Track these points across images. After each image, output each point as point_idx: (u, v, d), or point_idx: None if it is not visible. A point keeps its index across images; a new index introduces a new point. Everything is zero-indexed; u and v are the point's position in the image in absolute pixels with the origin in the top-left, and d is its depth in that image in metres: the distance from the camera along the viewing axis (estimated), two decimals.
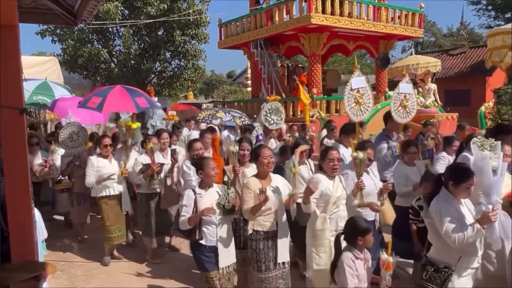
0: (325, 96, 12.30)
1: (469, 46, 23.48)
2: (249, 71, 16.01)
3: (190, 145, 4.82)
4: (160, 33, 19.64)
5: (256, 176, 3.73)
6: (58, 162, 6.06)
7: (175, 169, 5.02)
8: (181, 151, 5.81)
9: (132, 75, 18.63)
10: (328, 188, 3.61)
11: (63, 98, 7.55)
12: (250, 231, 3.68)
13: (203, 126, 7.99)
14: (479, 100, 16.58)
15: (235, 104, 13.92)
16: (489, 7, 24.76)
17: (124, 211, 5.31)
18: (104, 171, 5.13)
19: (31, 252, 2.03)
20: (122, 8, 17.83)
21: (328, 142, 7.05)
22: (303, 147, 4.59)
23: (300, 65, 14.72)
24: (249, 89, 15.16)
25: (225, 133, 8.07)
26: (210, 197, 3.60)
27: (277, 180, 3.77)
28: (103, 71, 19.13)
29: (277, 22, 11.83)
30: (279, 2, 11.98)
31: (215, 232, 3.58)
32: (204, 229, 3.56)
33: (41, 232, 3.83)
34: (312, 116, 10.07)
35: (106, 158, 5.24)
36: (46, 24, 16.46)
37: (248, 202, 3.56)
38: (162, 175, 5.13)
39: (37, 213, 3.73)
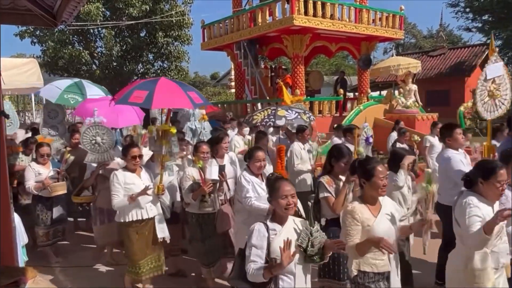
0: (309, 97, 12.39)
1: (448, 47, 23.98)
2: (232, 72, 16.01)
3: (251, 154, 3.89)
4: (142, 34, 19.49)
5: (362, 200, 2.84)
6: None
7: (225, 187, 4.36)
8: (233, 160, 4.86)
9: (114, 77, 18.44)
10: (488, 215, 2.74)
11: (89, 100, 6.76)
12: (354, 273, 2.79)
13: (246, 130, 7.12)
14: (458, 101, 16.94)
15: (219, 105, 13.91)
16: (467, 9, 25.29)
17: (160, 237, 4.23)
18: (135, 189, 4.05)
19: (11, 257, 2.00)
20: (103, 9, 17.64)
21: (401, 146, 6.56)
22: (410, 158, 4.00)
23: (283, 67, 14.80)
24: (233, 90, 15.15)
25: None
26: (288, 236, 2.56)
27: (387, 204, 2.90)
28: (84, 73, 18.86)
29: (260, 24, 11.86)
30: (262, 4, 12.01)
31: (293, 285, 2.55)
32: (279, 281, 2.53)
33: (21, 237, 3.77)
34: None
35: (134, 172, 4.20)
36: (25, 25, 16.16)
37: (353, 237, 2.72)
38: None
39: (16, 218, 3.65)
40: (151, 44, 19.14)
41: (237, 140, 7.05)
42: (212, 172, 4.17)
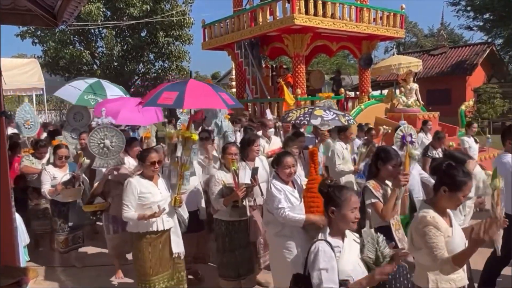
0: (310, 97, 12.38)
1: (450, 46, 23.95)
2: (233, 72, 16.00)
3: (279, 160, 3.54)
4: (143, 34, 19.49)
5: (436, 208, 2.52)
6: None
7: (256, 191, 4.04)
8: (264, 164, 4.45)
9: (115, 77, 18.43)
10: None
11: (107, 100, 6.50)
12: None
13: (271, 131, 6.67)
14: (459, 99, 16.93)
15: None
16: (468, 8, 25.25)
17: (174, 252, 3.80)
18: (151, 199, 3.66)
19: (12, 257, 2.00)
20: (104, 9, 17.64)
21: (435, 153, 6.31)
22: (473, 164, 3.75)
23: (284, 66, 14.78)
24: (234, 90, 15.14)
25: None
26: (352, 251, 2.36)
27: (450, 212, 2.65)
28: (85, 73, 18.86)
29: (260, 23, 11.85)
30: (263, 3, 12.00)
31: None
32: None
33: (22, 237, 3.77)
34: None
35: (151, 180, 3.76)
36: (25, 26, 16.19)
37: (442, 250, 2.39)
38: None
39: (18, 218, 3.65)
40: (152, 44, 19.14)
41: (263, 144, 6.35)
42: (245, 176, 3.92)
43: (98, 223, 6.19)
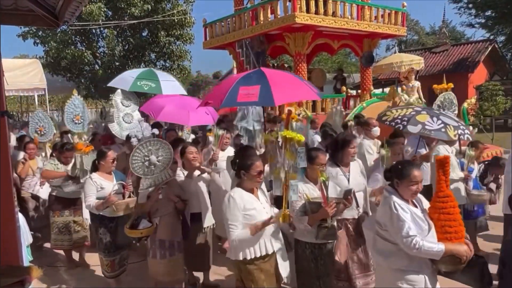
0: None
1: (451, 43, 23.89)
2: (235, 71, 15.99)
3: (405, 173, 2.80)
4: (144, 34, 19.51)
5: None
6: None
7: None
8: (361, 169, 3.94)
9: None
10: None
11: (159, 96, 6.04)
12: None
13: (376, 130, 5.77)
14: (461, 97, 16.82)
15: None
16: (470, 5, 25.16)
17: (284, 277, 3.22)
18: (257, 216, 3.02)
19: (15, 256, 2.01)
20: (105, 9, 17.66)
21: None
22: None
23: (285, 65, 14.77)
24: None
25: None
26: None
27: None
28: (87, 73, 18.92)
29: (261, 22, 11.84)
30: (264, 2, 11.99)
31: None
32: None
33: (25, 237, 3.78)
34: (299, 115, 10.11)
35: (252, 193, 3.15)
36: (27, 26, 16.22)
37: None
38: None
39: (21, 217, 3.67)
40: (153, 44, 19.16)
41: (369, 145, 5.51)
42: (336, 186, 3.37)
43: None
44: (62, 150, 5.32)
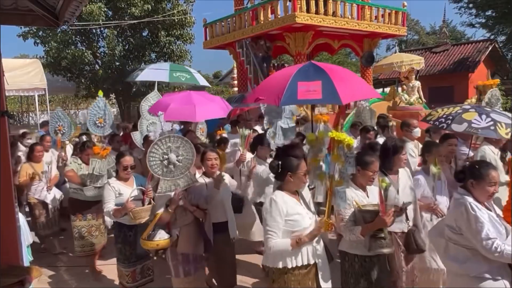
0: None
1: (452, 43, 23.86)
2: (235, 71, 15.99)
3: (483, 173, 2.69)
4: (144, 34, 19.50)
5: None
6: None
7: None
8: (409, 177, 3.67)
9: (117, 77, 18.45)
10: None
11: (166, 95, 5.73)
12: None
13: (417, 131, 5.39)
14: (462, 97, 16.85)
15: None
16: (470, 5, 25.12)
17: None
18: (302, 223, 2.79)
19: (16, 256, 2.00)
20: (105, 9, 17.65)
21: None
22: None
23: (286, 65, 14.76)
24: (236, 89, 15.14)
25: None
26: None
27: None
28: (87, 73, 18.90)
29: (262, 22, 11.84)
30: (264, 2, 11.99)
31: None
32: None
33: (26, 237, 3.78)
34: (299, 115, 10.10)
35: (293, 197, 2.90)
36: (27, 26, 16.22)
37: None
38: None
39: (21, 217, 3.67)
40: (154, 44, 19.14)
41: (411, 148, 5.16)
42: (391, 194, 3.02)
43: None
44: (84, 148, 5.12)
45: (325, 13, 11.30)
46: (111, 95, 20.66)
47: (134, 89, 19.92)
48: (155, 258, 4.26)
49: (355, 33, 12.56)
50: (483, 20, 25.54)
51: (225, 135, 6.14)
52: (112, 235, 4.61)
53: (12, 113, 12.56)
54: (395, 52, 14.90)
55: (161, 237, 3.46)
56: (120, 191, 3.90)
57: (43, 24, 2.92)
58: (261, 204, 4.52)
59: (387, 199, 2.82)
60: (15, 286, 1.81)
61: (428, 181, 3.72)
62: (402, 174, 3.48)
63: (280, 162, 2.86)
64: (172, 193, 3.51)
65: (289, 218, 2.73)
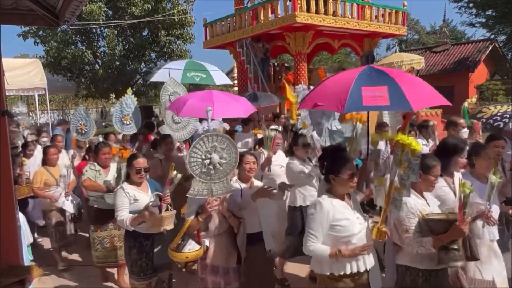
0: None
1: (452, 43, 23.88)
2: (235, 70, 16.00)
3: None
4: (144, 33, 19.52)
5: None
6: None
7: None
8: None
9: (117, 77, 18.48)
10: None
11: (192, 95, 5.30)
12: None
13: (465, 132, 5.09)
14: (462, 96, 16.83)
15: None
16: (470, 5, 25.14)
17: None
18: (351, 229, 2.62)
19: (16, 256, 2.00)
20: (105, 9, 17.67)
21: None
22: None
23: (286, 64, 14.77)
24: (236, 88, 15.14)
25: None
26: None
27: None
28: (87, 73, 18.93)
29: (262, 22, 11.84)
30: (264, 1, 11.98)
31: None
32: None
33: (26, 236, 3.78)
34: (299, 115, 10.09)
35: (343, 200, 2.74)
36: (27, 26, 16.23)
37: None
38: None
39: (21, 217, 3.67)
40: (154, 43, 19.16)
41: None
42: (472, 200, 2.68)
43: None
44: (98, 149, 4.58)
45: (325, 13, 11.30)
46: (111, 94, 20.69)
47: (134, 89, 19.94)
48: (183, 270, 3.85)
49: (355, 33, 12.56)
50: (483, 20, 25.56)
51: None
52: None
53: (11, 112, 12.52)
54: (395, 52, 14.89)
55: (191, 248, 3.13)
56: (135, 197, 3.54)
57: (43, 24, 2.91)
58: (295, 208, 4.42)
59: (466, 206, 2.55)
60: (16, 285, 1.81)
61: (475, 185, 3.26)
62: (456, 178, 3.24)
63: (324, 163, 2.75)
64: (203, 198, 3.14)
65: (336, 223, 2.58)
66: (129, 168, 3.63)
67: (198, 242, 3.21)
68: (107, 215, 4.37)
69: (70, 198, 5.19)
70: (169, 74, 6.77)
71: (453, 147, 3.25)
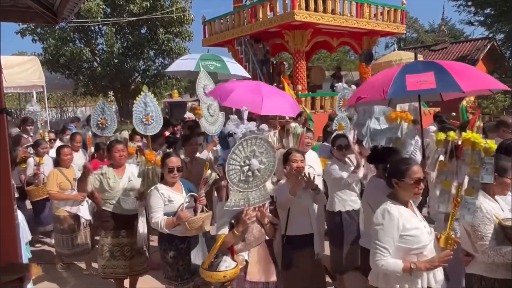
0: (310, 93, 12.37)
1: (450, 41, 23.90)
2: None
3: None
4: (143, 31, 19.45)
5: None
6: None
7: None
8: None
9: (115, 74, 18.42)
10: None
11: (231, 81, 5.05)
12: None
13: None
14: (460, 95, 16.87)
15: None
16: (469, 3, 25.13)
17: None
18: (422, 239, 2.37)
19: (15, 254, 2.01)
20: (104, 6, 17.60)
21: None
22: None
23: (284, 62, 14.77)
24: None
25: None
26: None
27: None
28: (85, 70, 18.87)
29: (261, 19, 11.84)
30: None
31: None
32: None
33: (24, 234, 3.78)
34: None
35: (407, 206, 2.49)
36: (25, 23, 16.17)
37: None
38: None
39: (20, 215, 3.66)
40: (152, 41, 19.10)
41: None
42: (497, 204, 2.58)
43: None
44: (111, 146, 4.13)
45: (324, 11, 11.31)
46: (109, 92, 20.63)
47: (132, 86, 19.89)
48: None
49: (354, 31, 12.57)
50: (482, 18, 25.56)
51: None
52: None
53: (10, 110, 12.52)
54: (394, 50, 14.91)
55: (228, 266, 2.78)
56: (170, 198, 3.35)
57: (41, 21, 2.91)
58: (334, 213, 4.04)
59: None
60: (14, 283, 1.82)
61: None
62: None
63: (387, 166, 2.51)
64: (239, 208, 2.83)
65: (407, 233, 2.32)
66: (162, 168, 3.45)
67: (233, 259, 2.88)
68: (121, 220, 4.01)
69: (86, 203, 4.86)
70: (184, 64, 6.67)
71: (506, 147, 2.96)
